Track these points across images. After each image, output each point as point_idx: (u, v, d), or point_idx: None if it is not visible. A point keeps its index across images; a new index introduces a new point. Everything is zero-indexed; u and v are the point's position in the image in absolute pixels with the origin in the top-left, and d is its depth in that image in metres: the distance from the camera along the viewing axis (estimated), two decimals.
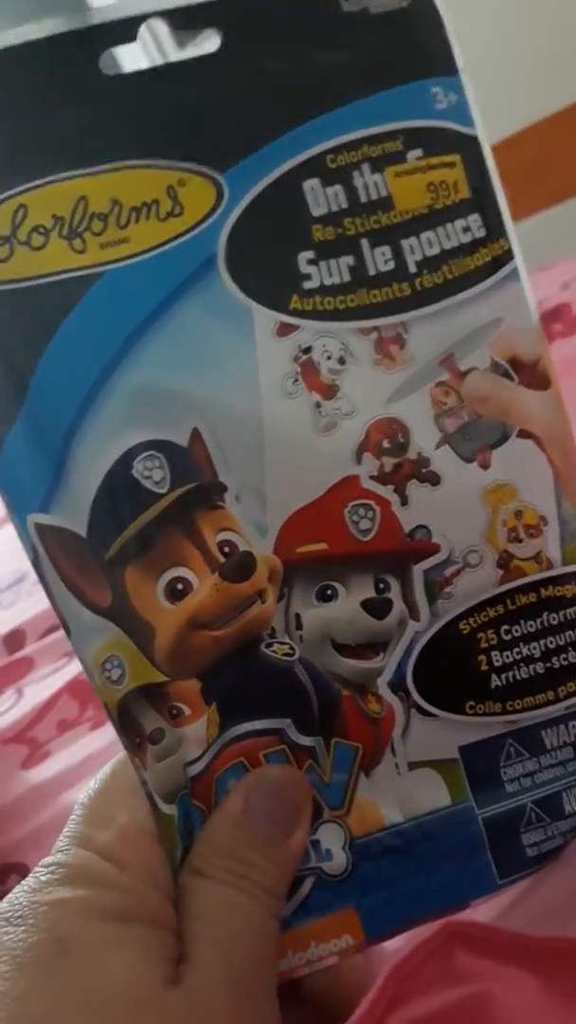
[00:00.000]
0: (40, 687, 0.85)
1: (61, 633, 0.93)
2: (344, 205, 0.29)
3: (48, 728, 0.78)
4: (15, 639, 0.98)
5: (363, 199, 0.29)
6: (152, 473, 0.28)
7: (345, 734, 0.30)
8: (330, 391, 0.29)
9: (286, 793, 0.29)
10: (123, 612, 0.29)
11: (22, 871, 0.63)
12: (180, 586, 0.29)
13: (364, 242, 0.29)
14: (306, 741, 0.30)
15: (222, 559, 0.29)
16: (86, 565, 0.28)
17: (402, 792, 0.31)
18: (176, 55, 0.28)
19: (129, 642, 0.29)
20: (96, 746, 0.72)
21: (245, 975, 0.26)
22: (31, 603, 1.05)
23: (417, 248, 0.30)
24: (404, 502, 0.30)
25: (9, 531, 1.52)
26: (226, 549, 0.29)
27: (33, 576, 1.00)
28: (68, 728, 0.77)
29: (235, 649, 0.29)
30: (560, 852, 0.32)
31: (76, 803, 0.29)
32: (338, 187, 0.29)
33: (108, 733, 0.72)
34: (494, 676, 0.31)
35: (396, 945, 0.31)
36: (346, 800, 0.30)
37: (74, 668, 0.84)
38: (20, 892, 0.27)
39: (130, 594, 0.29)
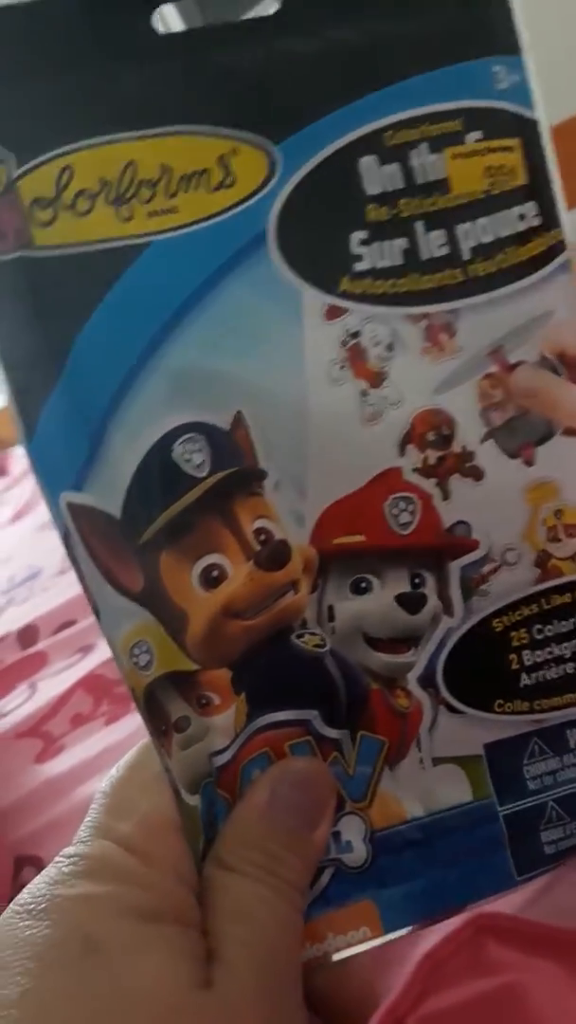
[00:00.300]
0: (54, 682, 0.82)
1: (75, 629, 0.91)
2: (400, 185, 0.26)
3: (62, 723, 0.75)
4: (28, 634, 0.94)
5: (419, 180, 0.27)
6: (192, 456, 0.26)
7: (372, 727, 0.28)
8: (377, 378, 0.27)
9: (312, 786, 0.27)
10: (155, 598, 0.26)
11: (36, 864, 0.61)
12: (215, 573, 0.26)
13: (418, 225, 0.27)
14: (332, 733, 0.28)
15: (258, 547, 0.27)
16: (119, 548, 0.26)
17: (425, 787, 0.29)
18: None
19: (159, 628, 0.26)
20: (111, 740, 0.69)
21: (274, 972, 0.25)
22: (45, 599, 1.02)
23: (472, 234, 0.27)
24: (445, 496, 0.27)
25: (21, 527, 1.50)
26: (262, 537, 0.27)
27: (47, 572, 0.97)
28: (83, 723, 0.74)
29: (266, 639, 0.27)
30: None
31: (97, 791, 0.27)
32: (395, 166, 0.26)
33: (123, 728, 0.70)
34: (524, 675, 0.29)
35: (427, 942, 0.30)
36: (369, 793, 0.28)
37: (88, 663, 0.81)
38: (41, 884, 0.24)
39: (164, 580, 0.26)
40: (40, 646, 0.91)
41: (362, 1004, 0.29)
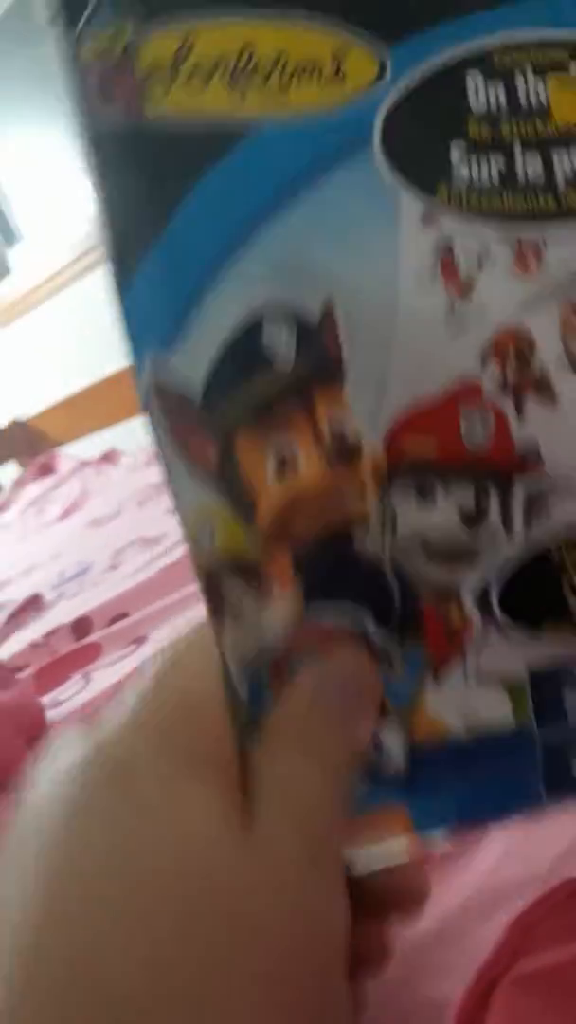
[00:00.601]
0: (108, 672, 0.81)
1: (128, 621, 0.90)
2: (503, 106, 0.26)
3: None
4: (82, 626, 0.94)
5: (522, 104, 0.26)
6: (280, 341, 0.25)
7: (421, 638, 0.27)
8: (466, 290, 0.26)
9: (358, 680, 0.27)
10: (228, 479, 0.26)
11: None
12: (288, 463, 0.26)
13: (517, 148, 0.26)
14: (382, 638, 0.27)
15: (331, 443, 0.26)
16: (197, 422, 0.26)
17: (467, 703, 0.28)
18: None
19: (227, 510, 0.26)
20: None
21: (315, 841, 0.24)
22: (96, 593, 1.01)
23: (567, 163, 0.26)
24: (519, 415, 0.27)
25: (70, 524, 1.50)
26: (337, 434, 0.26)
27: (96, 568, 0.97)
28: None
29: (330, 536, 0.27)
30: None
31: (145, 665, 0.27)
32: (500, 86, 0.26)
33: None
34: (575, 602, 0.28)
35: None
36: (411, 703, 0.28)
37: (142, 654, 0.80)
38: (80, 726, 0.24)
39: (238, 462, 0.26)
40: (94, 637, 0.90)
41: (407, 896, 0.28)
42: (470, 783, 0.28)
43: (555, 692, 0.28)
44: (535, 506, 0.27)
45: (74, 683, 0.83)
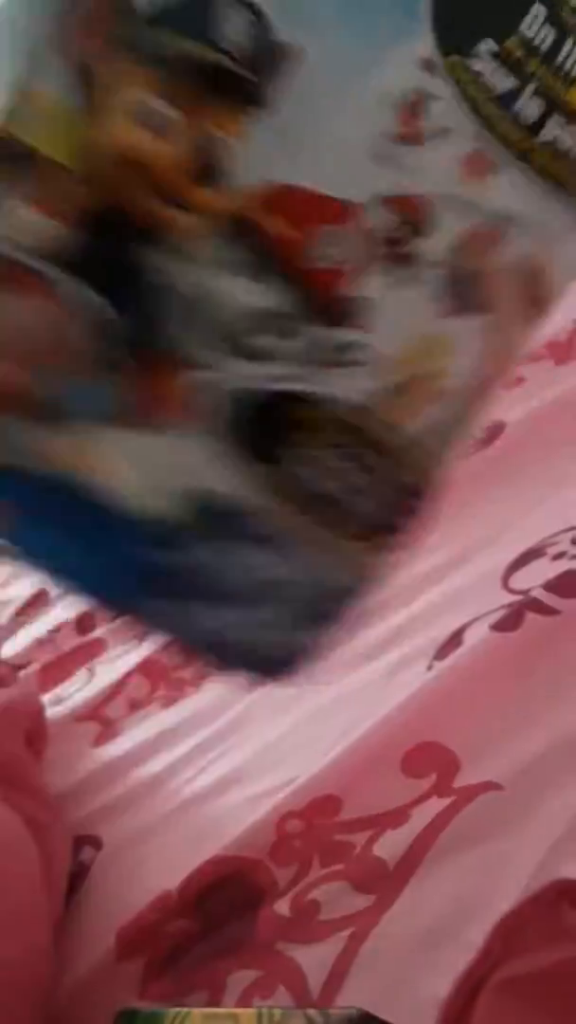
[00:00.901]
0: (112, 667, 0.81)
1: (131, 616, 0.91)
2: (543, 50, 0.26)
3: (119, 706, 0.74)
4: (86, 622, 0.92)
5: (558, 58, 0.26)
6: (236, 31, 0.23)
7: (138, 383, 0.26)
8: (412, 141, 0.25)
9: (47, 335, 0.25)
10: (91, 84, 0.24)
11: (94, 843, 0.60)
12: (156, 129, 0.24)
13: (530, 87, 0.26)
14: (108, 338, 0.25)
15: (203, 152, 0.24)
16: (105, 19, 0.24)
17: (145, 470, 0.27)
18: None
19: (71, 109, 0.24)
20: (167, 724, 0.68)
21: None
22: None
23: (557, 125, 0.27)
24: (376, 269, 0.26)
25: None
26: (213, 150, 0.24)
27: None
28: (139, 707, 0.73)
29: (135, 218, 0.25)
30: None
31: None
32: (551, 33, 0.26)
33: (179, 712, 0.70)
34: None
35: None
36: (92, 433, 0.26)
37: (145, 649, 0.79)
38: None
39: (116, 83, 0.24)
40: (98, 633, 0.89)
41: None
42: (82, 541, 0.27)
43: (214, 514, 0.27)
44: (331, 363, 0.27)
45: (78, 678, 0.83)
